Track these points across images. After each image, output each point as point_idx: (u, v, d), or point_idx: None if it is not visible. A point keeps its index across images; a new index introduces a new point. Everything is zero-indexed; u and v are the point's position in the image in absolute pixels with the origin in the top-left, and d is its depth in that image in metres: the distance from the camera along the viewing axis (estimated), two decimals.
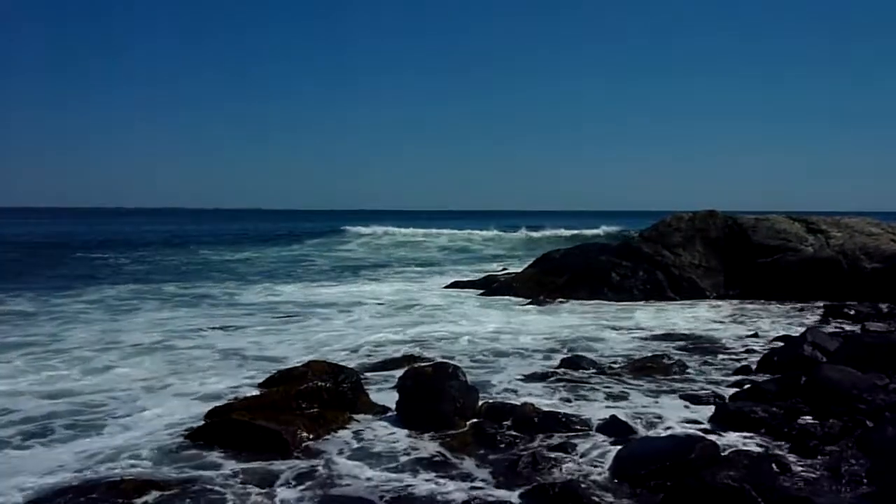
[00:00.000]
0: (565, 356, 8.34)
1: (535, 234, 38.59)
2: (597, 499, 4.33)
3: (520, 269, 17.79)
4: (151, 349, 9.08)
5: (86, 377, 7.60)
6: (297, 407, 5.82)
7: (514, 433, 5.56)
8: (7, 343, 9.42)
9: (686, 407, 6.38)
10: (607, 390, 6.95)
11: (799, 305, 13.11)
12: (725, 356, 8.58)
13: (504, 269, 20.09)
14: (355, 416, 6.05)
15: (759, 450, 5.11)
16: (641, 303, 13.65)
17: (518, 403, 6.25)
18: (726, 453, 4.91)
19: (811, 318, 11.70)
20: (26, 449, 5.41)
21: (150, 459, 5.14)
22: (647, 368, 7.80)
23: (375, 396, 6.69)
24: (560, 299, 13.94)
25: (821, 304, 12.73)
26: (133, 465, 5.02)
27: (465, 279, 18.02)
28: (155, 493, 4.53)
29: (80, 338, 9.84)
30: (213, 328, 10.76)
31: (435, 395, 5.90)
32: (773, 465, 4.76)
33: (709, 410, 6.11)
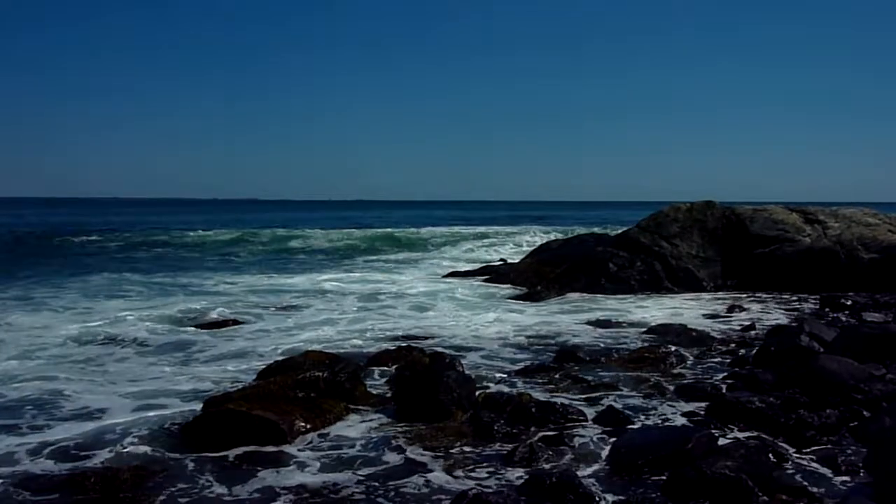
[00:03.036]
0: (561, 348, 8.34)
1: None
2: (593, 489, 4.33)
3: (517, 260, 17.79)
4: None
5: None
6: (294, 397, 5.81)
7: (510, 424, 5.54)
8: None
9: (683, 398, 6.38)
10: (604, 381, 6.94)
11: (796, 296, 13.11)
12: (722, 347, 8.58)
13: (502, 261, 20.07)
14: (353, 406, 6.04)
15: (756, 440, 5.11)
16: (638, 294, 13.63)
17: (515, 394, 6.25)
18: (723, 443, 4.91)
19: (808, 309, 11.71)
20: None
21: (145, 450, 5.12)
22: (644, 359, 7.79)
23: (373, 387, 6.69)
24: (557, 291, 13.90)
25: (818, 294, 12.73)
26: (126, 456, 5.01)
27: (462, 269, 18.03)
28: (149, 484, 4.53)
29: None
30: (211, 320, 10.73)
31: (432, 385, 5.89)
32: (770, 456, 4.76)
33: (706, 401, 6.10)
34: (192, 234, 30.66)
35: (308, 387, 5.95)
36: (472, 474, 4.69)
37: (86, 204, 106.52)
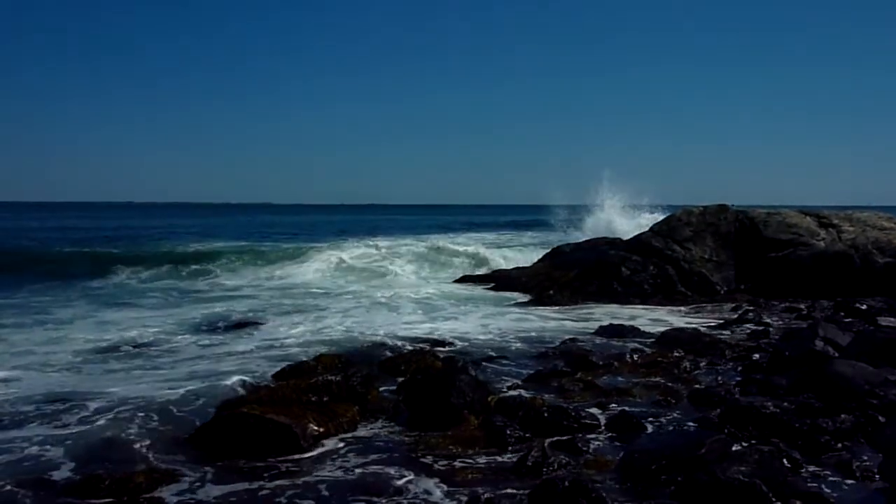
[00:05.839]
0: (574, 353, 8.32)
1: None
2: (606, 494, 4.31)
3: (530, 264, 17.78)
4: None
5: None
6: (307, 401, 5.83)
7: (523, 428, 5.54)
8: None
9: (696, 403, 6.36)
10: (616, 387, 6.93)
11: (810, 300, 13.00)
12: (735, 352, 8.51)
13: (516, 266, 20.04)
14: (365, 410, 6.06)
15: (770, 446, 5.08)
16: (651, 299, 13.55)
17: (527, 398, 6.25)
18: (737, 449, 4.89)
19: (822, 313, 11.61)
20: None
21: (159, 453, 5.16)
22: (657, 365, 7.78)
23: (385, 391, 6.70)
24: (569, 295, 13.86)
25: (832, 298, 12.62)
26: (140, 459, 5.04)
27: (473, 274, 18.04)
28: (163, 487, 4.57)
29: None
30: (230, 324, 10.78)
31: (444, 389, 5.90)
32: (784, 461, 4.74)
33: (719, 407, 6.08)
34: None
35: (321, 391, 5.98)
36: (485, 478, 4.69)
37: (99, 208, 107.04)
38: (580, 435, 5.45)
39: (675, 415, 6.05)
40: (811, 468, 4.78)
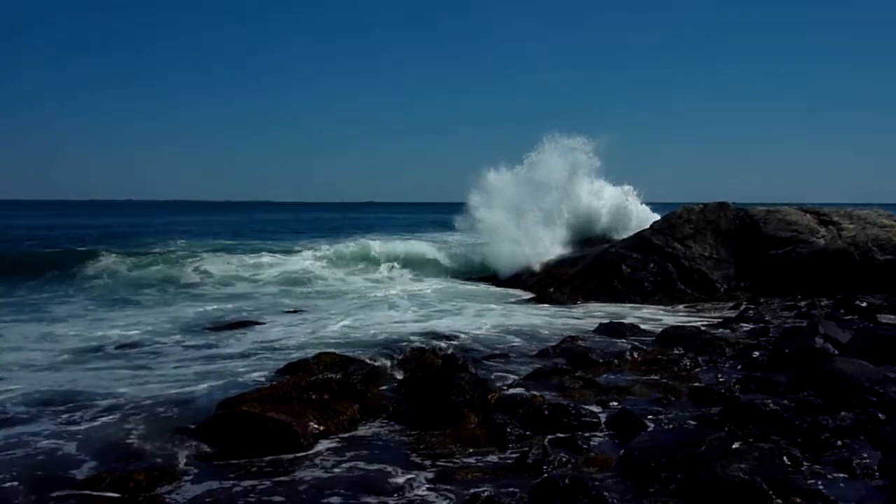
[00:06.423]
0: (574, 351, 8.32)
1: None
2: (606, 492, 4.31)
3: None
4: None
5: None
6: (307, 399, 5.83)
7: (523, 426, 5.55)
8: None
9: (696, 401, 6.36)
10: (616, 385, 6.93)
11: (810, 298, 13.00)
12: (735, 350, 8.52)
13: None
14: (366, 408, 6.06)
15: (770, 443, 5.08)
16: (651, 296, 13.56)
17: (528, 396, 6.25)
18: (737, 446, 4.89)
19: (822, 311, 11.61)
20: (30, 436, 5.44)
21: (160, 451, 5.15)
22: (657, 363, 7.78)
23: (385, 389, 6.70)
24: (569, 293, 13.87)
25: (832, 296, 12.62)
26: (140, 457, 5.03)
27: (473, 271, 18.05)
28: (163, 485, 4.57)
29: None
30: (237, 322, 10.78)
31: (444, 387, 5.91)
32: (784, 459, 4.74)
33: (719, 404, 6.08)
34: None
35: (321, 389, 5.99)
36: (485, 477, 4.69)
37: (98, 206, 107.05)
38: (580, 433, 5.45)
39: (676, 412, 6.05)
40: (811, 466, 4.78)
